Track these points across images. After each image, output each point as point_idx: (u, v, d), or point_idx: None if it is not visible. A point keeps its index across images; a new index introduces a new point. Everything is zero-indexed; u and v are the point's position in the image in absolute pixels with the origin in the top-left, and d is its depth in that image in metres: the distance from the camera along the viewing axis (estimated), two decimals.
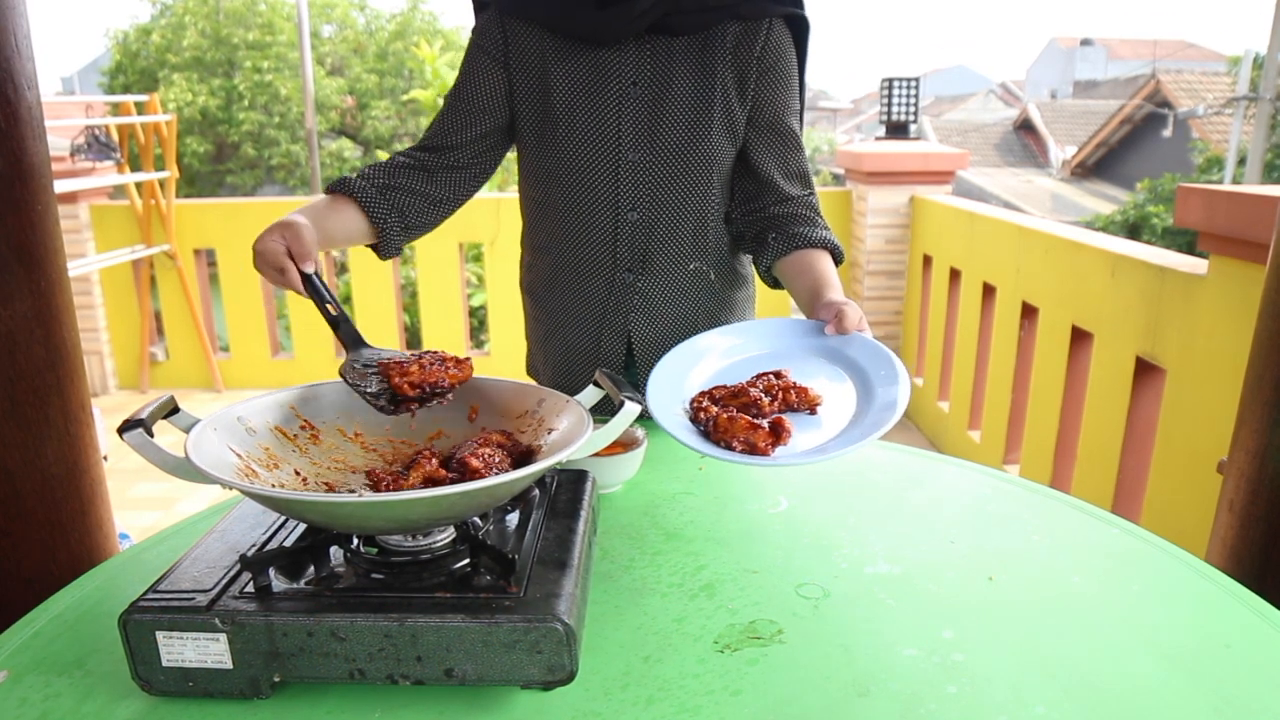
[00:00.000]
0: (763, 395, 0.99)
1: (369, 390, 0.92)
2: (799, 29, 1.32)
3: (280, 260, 1.01)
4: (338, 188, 1.25)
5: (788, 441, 0.94)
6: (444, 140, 1.31)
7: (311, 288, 1.01)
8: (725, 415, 0.95)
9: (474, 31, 1.34)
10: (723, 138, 1.30)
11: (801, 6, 1.31)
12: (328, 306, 0.99)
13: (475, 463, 0.83)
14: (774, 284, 1.35)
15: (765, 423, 0.94)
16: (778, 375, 1.04)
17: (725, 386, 1.03)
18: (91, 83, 21.68)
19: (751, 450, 0.93)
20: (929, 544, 1.01)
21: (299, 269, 1.02)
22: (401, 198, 1.27)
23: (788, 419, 0.96)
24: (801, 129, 1.37)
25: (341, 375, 0.94)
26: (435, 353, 0.94)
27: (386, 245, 1.28)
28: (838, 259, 1.29)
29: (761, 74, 1.29)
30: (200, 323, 5.01)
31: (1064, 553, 1.00)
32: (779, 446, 0.93)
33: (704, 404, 1.00)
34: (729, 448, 0.93)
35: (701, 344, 1.14)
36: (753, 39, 1.27)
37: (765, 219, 1.33)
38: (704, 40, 1.27)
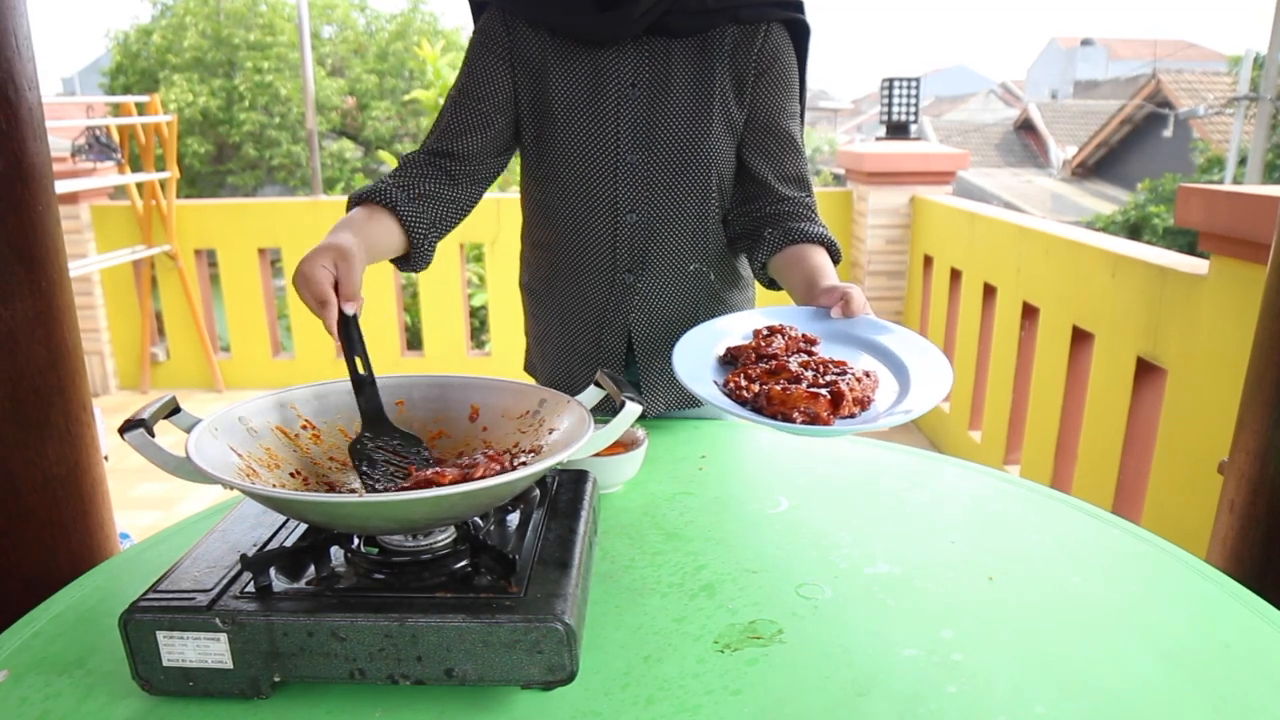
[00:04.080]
0: (802, 369, 0.96)
1: (376, 481, 0.88)
2: (799, 33, 1.32)
3: (325, 293, 0.91)
4: (371, 197, 1.18)
5: (846, 411, 0.91)
6: (459, 146, 1.27)
7: (346, 335, 0.91)
8: (779, 388, 0.91)
9: (477, 30, 1.32)
10: (722, 140, 1.30)
11: (802, 10, 1.30)
12: (357, 361, 0.90)
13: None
14: (769, 283, 1.35)
15: (825, 391, 0.90)
16: (809, 342, 1.02)
17: (760, 365, 0.99)
18: (92, 83, 21.69)
19: (813, 420, 0.89)
20: (929, 544, 1.01)
21: (341, 309, 0.92)
22: (433, 207, 1.24)
23: (843, 386, 0.91)
24: (802, 133, 1.37)
25: (350, 451, 0.90)
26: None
27: (420, 258, 1.23)
28: (835, 257, 1.28)
29: (759, 76, 1.29)
30: (201, 323, 5.01)
31: (1064, 553, 1.00)
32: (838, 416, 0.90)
33: (741, 382, 0.96)
34: (787, 419, 0.90)
35: (718, 326, 1.11)
36: (750, 41, 1.27)
37: (761, 217, 1.33)
38: (702, 42, 1.27)
